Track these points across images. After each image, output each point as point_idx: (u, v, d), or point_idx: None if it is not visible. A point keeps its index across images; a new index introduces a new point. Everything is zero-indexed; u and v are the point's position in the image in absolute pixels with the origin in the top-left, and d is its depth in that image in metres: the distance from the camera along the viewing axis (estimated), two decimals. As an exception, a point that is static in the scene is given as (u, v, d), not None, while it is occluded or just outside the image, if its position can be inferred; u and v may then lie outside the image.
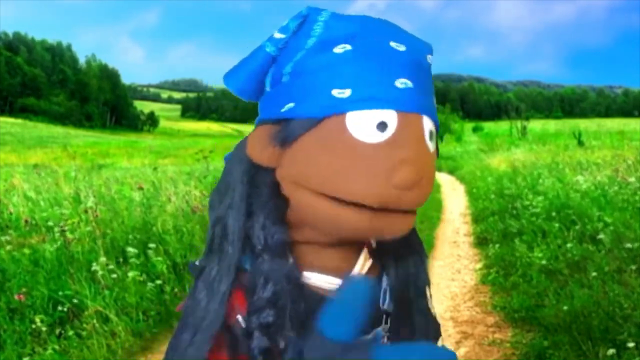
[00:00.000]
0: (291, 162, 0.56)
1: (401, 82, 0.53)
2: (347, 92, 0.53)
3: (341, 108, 0.53)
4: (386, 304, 0.64)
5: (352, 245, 0.63)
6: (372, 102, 0.52)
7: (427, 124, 0.55)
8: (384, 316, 0.64)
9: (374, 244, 0.66)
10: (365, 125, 0.52)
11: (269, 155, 0.57)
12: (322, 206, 0.55)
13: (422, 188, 0.54)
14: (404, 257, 0.65)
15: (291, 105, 0.55)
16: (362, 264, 0.63)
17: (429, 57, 0.59)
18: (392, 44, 0.55)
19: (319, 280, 0.60)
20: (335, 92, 0.53)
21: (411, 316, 0.65)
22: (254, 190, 0.59)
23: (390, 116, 0.53)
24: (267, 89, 0.60)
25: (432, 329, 0.69)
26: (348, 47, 0.54)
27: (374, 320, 0.63)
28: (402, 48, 0.55)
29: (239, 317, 0.57)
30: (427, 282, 0.69)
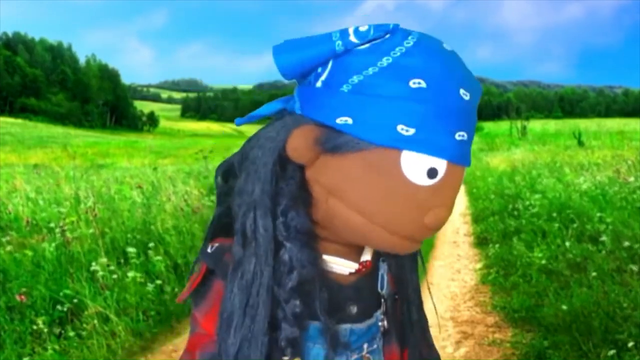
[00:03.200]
0: (329, 171, 0.57)
1: (460, 135, 0.56)
2: (411, 131, 0.54)
3: (401, 144, 0.54)
4: (384, 289, 0.68)
5: None
6: (431, 148, 0.55)
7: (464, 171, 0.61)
8: (383, 300, 0.68)
9: None
10: (418, 167, 0.55)
11: (310, 156, 0.57)
12: (355, 221, 0.58)
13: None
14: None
15: (349, 120, 0.55)
16: (369, 251, 0.67)
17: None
18: (462, 91, 0.56)
19: (338, 264, 0.64)
20: (400, 128, 0.54)
21: (408, 303, 0.71)
22: (282, 182, 0.60)
23: (442, 165, 0.56)
24: (318, 84, 0.58)
25: (423, 326, 0.74)
26: (423, 84, 0.54)
27: (374, 304, 0.68)
28: (467, 97, 0.56)
29: None
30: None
